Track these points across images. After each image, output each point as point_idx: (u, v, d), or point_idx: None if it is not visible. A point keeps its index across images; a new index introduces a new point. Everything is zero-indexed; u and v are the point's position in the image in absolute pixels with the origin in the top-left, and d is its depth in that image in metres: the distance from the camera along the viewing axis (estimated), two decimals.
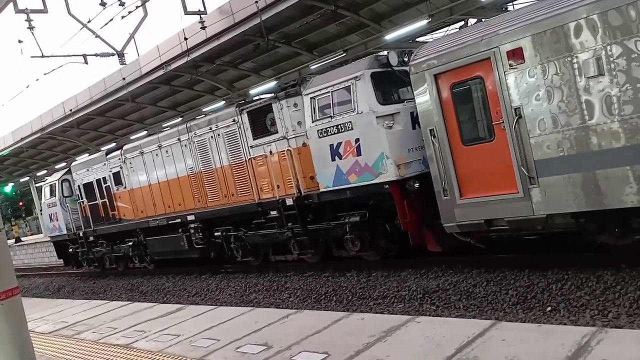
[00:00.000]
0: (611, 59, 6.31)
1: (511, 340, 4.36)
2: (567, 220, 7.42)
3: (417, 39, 21.19)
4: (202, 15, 20.87)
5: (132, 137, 29.48)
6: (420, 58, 8.24)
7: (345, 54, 20.85)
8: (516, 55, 7.05)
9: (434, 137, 8.08)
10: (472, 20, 19.99)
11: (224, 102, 26.95)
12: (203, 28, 20.71)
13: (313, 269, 11.33)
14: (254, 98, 12.48)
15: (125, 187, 15.97)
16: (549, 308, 6.60)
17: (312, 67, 22.27)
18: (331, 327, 5.69)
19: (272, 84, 23.61)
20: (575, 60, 6.58)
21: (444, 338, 4.70)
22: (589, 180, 6.66)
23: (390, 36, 19.50)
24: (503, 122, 7.38)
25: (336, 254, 11.13)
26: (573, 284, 6.98)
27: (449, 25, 21.04)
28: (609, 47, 6.31)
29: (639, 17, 6.04)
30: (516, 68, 7.09)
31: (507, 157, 7.40)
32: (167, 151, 13.98)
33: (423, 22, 18.35)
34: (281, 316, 6.50)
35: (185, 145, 13.32)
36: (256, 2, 18.78)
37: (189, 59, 22.49)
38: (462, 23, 20.72)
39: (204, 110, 26.10)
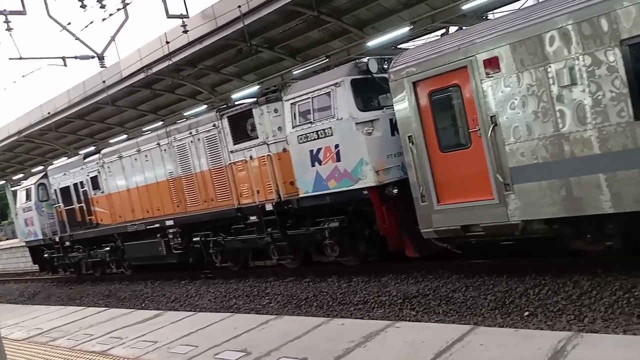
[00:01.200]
0: (583, 68, 6.49)
1: (489, 345, 4.42)
2: (541, 226, 7.57)
3: (399, 46, 21.37)
4: (184, 19, 20.79)
5: (111, 141, 29.16)
6: (399, 65, 8.37)
7: (328, 60, 20.95)
8: (492, 64, 7.21)
9: (412, 143, 8.21)
10: (453, 28, 20.25)
11: (205, 106, 26.83)
12: (185, 32, 20.60)
13: (294, 274, 11.31)
14: (235, 103, 12.46)
15: (103, 192, 15.80)
16: (527, 313, 6.69)
17: (294, 73, 22.32)
18: (311, 332, 5.70)
19: (254, 88, 23.60)
20: (549, 70, 6.75)
21: (423, 343, 4.73)
22: (563, 187, 6.83)
23: (372, 42, 19.66)
24: (479, 129, 7.53)
25: (316, 260, 11.19)
26: (550, 289, 7.09)
27: (430, 32, 21.27)
28: (581, 57, 6.49)
29: (610, 29, 6.22)
30: (492, 77, 7.24)
31: (483, 164, 7.54)
32: (146, 156, 13.90)
33: (405, 29, 18.56)
34: (261, 322, 6.48)
35: (165, 150, 13.27)
36: (239, 6, 18.80)
37: (171, 62, 22.38)
38: (443, 31, 20.96)
39: (185, 114, 25.93)
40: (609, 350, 4.08)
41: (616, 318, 5.92)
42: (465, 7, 17.24)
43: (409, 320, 7.29)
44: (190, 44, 21.57)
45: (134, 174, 14.43)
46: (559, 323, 6.19)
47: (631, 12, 6.05)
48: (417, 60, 8.12)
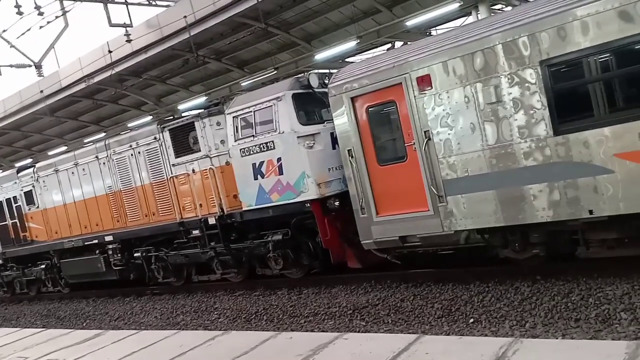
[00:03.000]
0: (508, 87, 6.90)
1: (434, 353, 4.48)
2: (474, 236, 7.95)
3: (347, 59, 21.71)
4: (127, 28, 20.30)
5: (50, 153, 27.92)
6: (338, 81, 8.60)
7: (276, 72, 21.05)
8: (425, 81, 7.54)
9: (352, 157, 8.42)
10: (398, 43, 20.78)
11: (150, 117, 26.22)
12: (129, 41, 20.14)
13: (243, 287, 11.14)
14: (176, 116, 12.30)
15: (38, 207, 15.15)
16: (472, 320, 6.79)
17: (242, 84, 22.24)
18: (259, 347, 5.61)
19: (201, 99, 23.29)
20: (476, 87, 7.14)
21: (371, 354, 4.75)
22: (492, 199, 7.22)
23: (320, 56, 19.91)
24: (414, 143, 7.82)
25: (260, 273, 11.16)
26: (493, 295, 7.25)
27: (376, 47, 21.74)
28: (506, 76, 6.90)
29: (532, 50, 6.66)
30: (425, 93, 7.58)
31: (419, 177, 7.83)
32: (84, 169, 13.51)
33: (352, 44, 18.91)
34: (208, 338, 6.32)
35: (104, 163, 12.95)
36: (185, 17, 18.58)
37: (114, 72, 21.80)
38: (389, 45, 21.47)
39: (129, 125, 25.23)
40: (547, 354, 4.21)
41: (555, 323, 6.11)
42: (409, 23, 17.75)
43: (359, 331, 7.26)
44: (134, 53, 21.14)
45: (71, 188, 13.97)
46: (502, 329, 6.33)
47: (549, 35, 6.52)
48: (356, 76, 8.38)
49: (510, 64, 6.74)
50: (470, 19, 17.66)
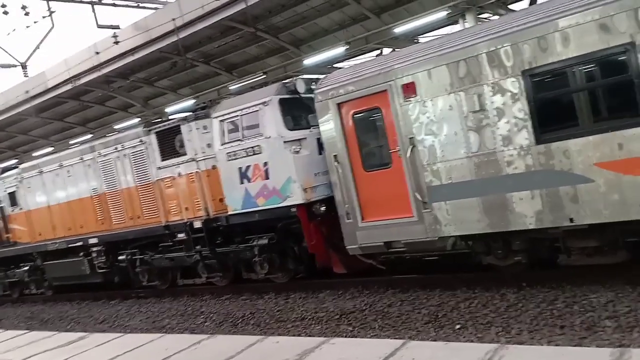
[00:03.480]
0: (490, 96, 7.04)
1: (421, 359, 4.50)
2: (458, 242, 8.07)
3: (335, 65, 21.78)
4: (115, 30, 20.19)
5: (35, 154, 27.57)
6: (324, 87, 8.70)
7: (265, 76, 21.03)
8: (410, 89, 7.66)
9: (338, 162, 8.52)
10: (387, 50, 20.90)
11: (138, 119, 26.02)
12: (116, 43, 20.02)
13: (230, 291, 11.11)
14: (163, 119, 12.31)
15: (21, 209, 15.02)
16: (458, 326, 6.83)
17: (231, 88, 22.19)
18: (245, 351, 5.60)
19: (189, 102, 23.20)
20: (460, 96, 7.26)
21: (357, 359, 4.74)
22: (475, 206, 7.34)
23: (309, 61, 19.96)
24: (399, 150, 7.92)
25: (245, 277, 11.22)
26: (480, 302, 7.31)
27: (365, 53, 21.84)
28: (488, 85, 7.04)
29: (512, 60, 6.80)
30: (410, 100, 7.69)
31: (403, 183, 7.94)
32: (68, 171, 13.44)
33: (341, 49, 18.99)
34: (193, 342, 6.31)
35: (89, 166, 12.92)
36: (174, 19, 18.53)
37: (101, 73, 21.63)
38: (378, 52, 21.58)
39: (115, 127, 25.01)
40: None
41: (541, 329, 6.16)
42: (397, 30, 17.87)
43: (346, 336, 7.29)
44: (121, 55, 21.03)
45: (56, 190, 13.89)
46: (488, 335, 6.37)
47: (530, 45, 6.66)
48: (342, 82, 8.47)
49: (493, 73, 6.87)
50: (458, 27, 17.86)
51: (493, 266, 7.87)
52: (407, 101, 7.58)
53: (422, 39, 20.29)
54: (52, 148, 28.22)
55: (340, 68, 19.43)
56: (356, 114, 8.20)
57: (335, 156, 8.41)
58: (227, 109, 9.85)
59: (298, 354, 5.14)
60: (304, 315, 8.53)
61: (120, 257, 12.43)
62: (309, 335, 7.56)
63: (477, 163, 7.13)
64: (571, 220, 6.58)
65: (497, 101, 6.87)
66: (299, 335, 7.77)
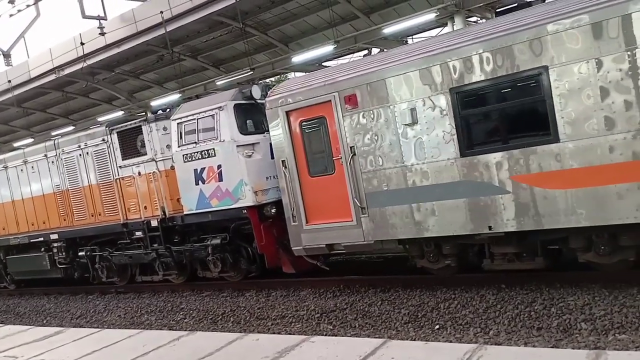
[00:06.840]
0: (422, 110, 7.82)
1: (400, 358, 4.62)
2: (395, 246, 8.86)
3: (324, 63, 21.79)
4: (101, 21, 19.94)
5: (16, 145, 27.14)
6: (275, 95, 9.48)
7: (252, 72, 21.07)
8: (351, 100, 8.45)
9: (285, 167, 9.28)
10: (375, 50, 20.93)
11: (122, 112, 25.79)
12: (102, 34, 19.86)
13: (211, 288, 11.12)
14: (127, 117, 12.56)
15: None
16: (438, 326, 6.96)
17: (218, 83, 22.17)
18: (225, 348, 5.66)
19: (175, 96, 23.08)
20: (395, 109, 8.07)
21: (337, 357, 4.89)
22: (407, 212, 8.12)
23: (297, 58, 20.17)
24: (341, 158, 8.68)
25: (201, 275, 11.85)
26: (459, 302, 7.47)
27: (353, 52, 21.89)
28: (420, 101, 7.83)
29: (443, 77, 7.57)
30: (351, 111, 8.50)
31: (344, 189, 8.72)
32: (32, 167, 14.07)
33: (329, 48, 19.10)
34: (172, 338, 6.35)
35: (53, 162, 13.55)
36: (161, 12, 18.47)
37: (85, 65, 21.49)
38: (366, 52, 21.61)
39: (99, 119, 24.76)
40: None
41: (518, 331, 6.35)
42: (386, 31, 18.00)
43: (326, 335, 7.35)
44: (107, 47, 21.08)
45: (20, 185, 14.48)
46: (466, 335, 6.53)
47: (457, 65, 7.41)
48: (291, 91, 9.04)
49: (424, 90, 7.63)
50: (446, 29, 17.96)
51: (426, 269, 8.57)
52: (349, 112, 8.31)
53: (410, 41, 20.37)
54: (33, 139, 27.79)
55: (327, 67, 19.42)
56: (303, 122, 8.95)
57: (283, 161, 9.12)
58: (185, 112, 10.52)
59: (278, 352, 5.22)
60: (285, 313, 8.62)
61: (80, 253, 12.98)
62: (289, 333, 7.67)
63: (409, 173, 7.88)
64: (490, 228, 7.29)
65: (428, 115, 7.63)
66: (279, 333, 7.88)
